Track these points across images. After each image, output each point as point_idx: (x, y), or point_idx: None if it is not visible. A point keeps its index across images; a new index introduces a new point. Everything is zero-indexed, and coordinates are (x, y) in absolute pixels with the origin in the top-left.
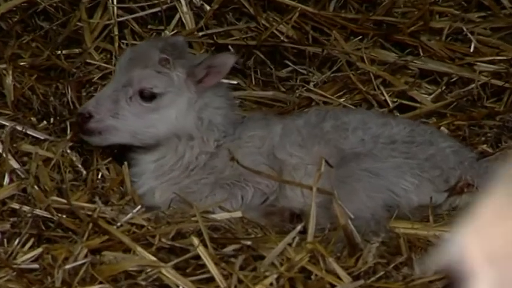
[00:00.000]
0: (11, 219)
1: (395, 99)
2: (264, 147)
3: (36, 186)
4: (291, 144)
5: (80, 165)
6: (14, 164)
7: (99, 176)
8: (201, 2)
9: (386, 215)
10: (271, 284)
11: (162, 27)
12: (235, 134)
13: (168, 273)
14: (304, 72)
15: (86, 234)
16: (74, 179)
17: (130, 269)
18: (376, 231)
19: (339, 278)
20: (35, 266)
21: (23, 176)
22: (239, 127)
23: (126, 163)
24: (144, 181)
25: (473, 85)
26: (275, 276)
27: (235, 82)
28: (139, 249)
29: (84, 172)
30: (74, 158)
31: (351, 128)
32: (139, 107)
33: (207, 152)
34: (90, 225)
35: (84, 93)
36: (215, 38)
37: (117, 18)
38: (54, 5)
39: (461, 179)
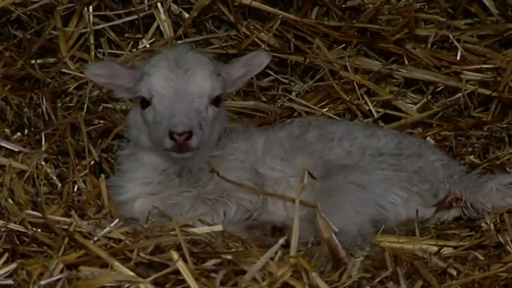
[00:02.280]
0: None
1: (380, 109)
2: (247, 162)
3: (10, 200)
4: (272, 158)
5: (55, 178)
6: None
7: (75, 189)
8: (180, 9)
9: (372, 230)
10: None
11: (140, 36)
12: (219, 146)
13: None
14: (286, 81)
15: (62, 249)
16: (49, 192)
17: (108, 284)
18: (362, 246)
19: None
20: (9, 282)
21: None
22: (222, 139)
23: (103, 176)
24: (130, 188)
25: (459, 94)
26: None
27: None
28: (116, 264)
29: (60, 185)
30: (49, 171)
31: (336, 138)
32: (213, 113)
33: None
34: (66, 239)
35: (59, 104)
36: (194, 46)
37: (93, 26)
38: (28, 13)
39: (450, 194)
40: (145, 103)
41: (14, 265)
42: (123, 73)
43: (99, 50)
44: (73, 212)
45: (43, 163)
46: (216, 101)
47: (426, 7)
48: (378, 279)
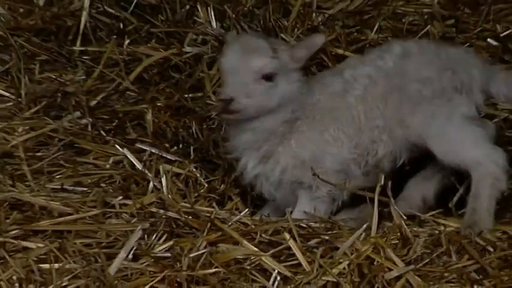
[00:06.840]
0: (151, 219)
1: None
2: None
3: (169, 195)
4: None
5: (202, 179)
6: (153, 179)
7: (220, 187)
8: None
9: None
10: (344, 268)
11: None
12: (311, 98)
13: (267, 260)
14: None
15: (206, 231)
16: (197, 190)
17: (239, 257)
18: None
19: (394, 263)
20: (168, 254)
21: (159, 187)
22: (312, 89)
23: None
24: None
25: (496, 120)
26: (347, 262)
27: None
28: (245, 242)
29: (206, 185)
30: (198, 174)
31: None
32: (265, 86)
33: (286, 121)
34: (209, 224)
35: (204, 126)
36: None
37: None
38: (183, 60)
39: None
40: None
41: (171, 242)
42: None
43: None
44: (214, 204)
45: (193, 169)
46: (268, 77)
47: None
48: (435, 254)
